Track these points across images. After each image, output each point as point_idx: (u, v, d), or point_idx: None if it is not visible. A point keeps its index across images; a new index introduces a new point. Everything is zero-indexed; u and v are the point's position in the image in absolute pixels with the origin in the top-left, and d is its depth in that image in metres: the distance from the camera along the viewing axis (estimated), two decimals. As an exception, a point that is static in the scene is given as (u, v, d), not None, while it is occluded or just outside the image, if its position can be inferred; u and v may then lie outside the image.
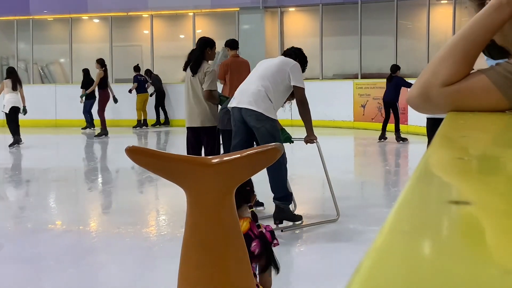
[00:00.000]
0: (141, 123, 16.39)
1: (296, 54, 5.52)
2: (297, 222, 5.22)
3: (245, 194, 2.19)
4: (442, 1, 15.58)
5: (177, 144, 12.93)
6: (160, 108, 16.70)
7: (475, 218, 0.41)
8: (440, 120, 0.95)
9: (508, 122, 0.96)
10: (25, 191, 8.03)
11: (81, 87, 15.12)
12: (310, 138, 5.43)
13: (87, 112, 15.31)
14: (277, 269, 2.31)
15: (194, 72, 6.02)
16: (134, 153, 1.81)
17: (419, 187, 0.46)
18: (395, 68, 11.70)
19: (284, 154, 4.80)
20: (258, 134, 5.09)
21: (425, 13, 15.16)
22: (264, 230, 2.24)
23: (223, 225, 1.83)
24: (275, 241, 2.30)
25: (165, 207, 6.77)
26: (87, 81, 15.02)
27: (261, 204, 5.82)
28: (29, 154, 12.12)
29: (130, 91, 16.14)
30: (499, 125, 0.96)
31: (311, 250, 4.83)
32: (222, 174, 1.81)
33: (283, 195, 5.17)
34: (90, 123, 15.41)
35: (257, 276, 2.29)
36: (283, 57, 5.48)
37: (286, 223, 5.26)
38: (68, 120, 17.13)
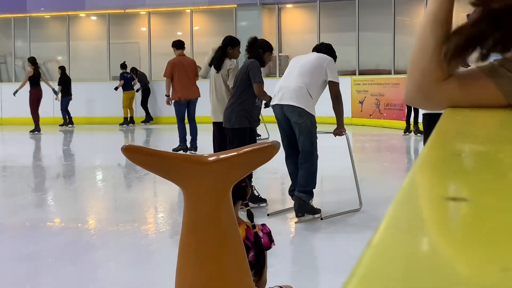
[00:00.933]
0: (128, 121, 16.34)
1: (327, 50, 5.67)
2: (316, 215, 5.33)
3: (240, 191, 2.14)
4: (439, -3, 15.58)
5: (165, 140, 12.93)
6: (144, 105, 16.64)
7: (472, 214, 0.41)
8: (436, 116, 0.95)
9: (505, 119, 0.96)
10: (24, 189, 8.02)
11: (58, 84, 15.51)
12: (339, 130, 5.63)
13: (64, 109, 15.52)
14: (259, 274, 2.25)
15: (218, 69, 6.29)
16: (130, 151, 1.80)
17: (416, 184, 0.45)
18: None
19: (314, 143, 5.28)
20: (299, 129, 5.26)
21: (422, 9, 15.15)
22: (261, 233, 2.21)
23: (220, 223, 1.83)
24: (272, 244, 2.27)
25: (164, 204, 6.77)
26: (63, 78, 15.51)
27: (264, 201, 5.88)
28: (25, 151, 12.10)
29: (116, 88, 16.08)
30: (496, 121, 0.96)
31: (325, 241, 4.83)
32: (219, 172, 1.80)
33: (309, 189, 5.30)
34: (65, 119, 15.75)
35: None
36: (316, 53, 5.59)
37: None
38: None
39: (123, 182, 8.25)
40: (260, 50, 5.90)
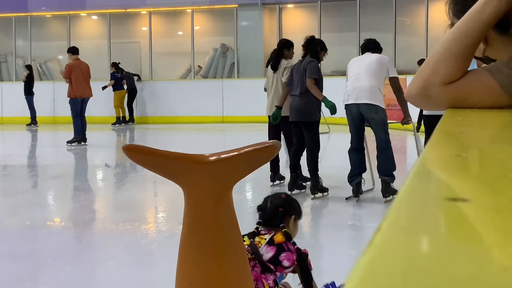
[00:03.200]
0: (120, 120, 16.32)
1: (376, 46, 6.44)
2: (395, 196, 5.65)
3: (280, 214, 2.30)
4: (440, -2, 15.58)
5: (162, 140, 12.93)
6: (128, 105, 16.59)
7: (473, 215, 0.41)
8: (437, 117, 0.95)
9: (506, 119, 0.96)
10: (24, 188, 8.02)
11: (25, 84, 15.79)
12: (407, 120, 6.26)
13: (32, 107, 15.79)
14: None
15: (275, 69, 6.86)
16: (131, 151, 1.80)
17: (417, 184, 0.45)
18: (422, 62, 11.72)
19: (388, 133, 6.03)
20: (374, 123, 5.99)
21: (423, 9, 15.15)
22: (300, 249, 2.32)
23: (221, 223, 1.83)
24: (309, 262, 2.39)
25: (164, 204, 6.77)
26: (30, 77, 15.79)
27: (326, 190, 6.41)
28: (26, 150, 12.11)
29: (104, 87, 15.98)
30: (497, 122, 0.96)
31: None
32: (219, 171, 1.80)
33: (391, 172, 5.98)
34: (33, 118, 15.95)
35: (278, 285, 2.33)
36: (372, 53, 6.22)
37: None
38: (66, 117, 17.09)
39: (123, 181, 8.25)
40: (319, 48, 6.47)
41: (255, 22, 16.99)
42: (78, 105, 11.69)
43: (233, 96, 16.33)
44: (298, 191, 6.52)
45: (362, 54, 6.37)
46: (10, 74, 18.43)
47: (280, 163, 7.13)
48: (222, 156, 1.80)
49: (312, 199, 6.30)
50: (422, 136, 11.19)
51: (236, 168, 1.83)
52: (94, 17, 19.14)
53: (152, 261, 4.45)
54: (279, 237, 2.23)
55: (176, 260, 1.91)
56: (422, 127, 9.23)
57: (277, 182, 7.06)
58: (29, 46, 18.27)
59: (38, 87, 17.38)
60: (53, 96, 17.50)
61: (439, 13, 15.36)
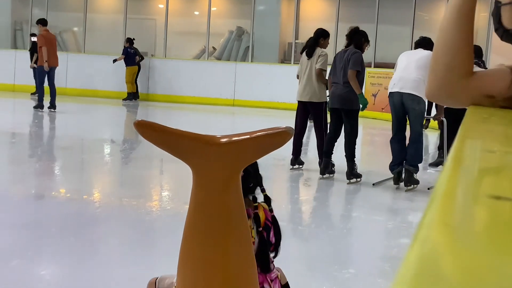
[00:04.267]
0: (131, 96, 16.30)
1: (431, 44, 6.44)
2: (415, 186, 6.35)
3: (258, 177, 2.20)
4: (461, -5, 15.41)
5: (176, 117, 12.92)
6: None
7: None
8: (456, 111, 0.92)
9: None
10: (31, 157, 8.05)
11: (30, 52, 15.76)
12: (439, 116, 6.72)
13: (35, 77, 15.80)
14: (276, 253, 2.31)
15: (310, 56, 7.10)
16: (142, 127, 1.78)
17: (453, 179, 0.43)
18: None
19: (423, 125, 6.37)
20: (413, 113, 6.20)
21: (443, 5, 15.00)
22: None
23: (228, 206, 1.81)
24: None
25: (170, 182, 6.78)
26: (35, 46, 15.50)
27: (360, 176, 6.68)
28: (38, 120, 12.13)
29: (115, 61, 15.96)
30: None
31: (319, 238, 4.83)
32: (230, 154, 1.78)
33: (417, 163, 6.31)
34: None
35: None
36: (424, 50, 6.36)
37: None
38: (79, 89, 17.13)
39: (130, 157, 8.26)
40: (363, 39, 6.75)
41: (273, 7, 16.88)
42: (45, 74, 12.70)
43: (245, 80, 16.28)
44: (329, 175, 6.82)
45: (415, 49, 6.60)
46: (25, 42, 18.41)
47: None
48: (234, 138, 1.78)
49: (347, 183, 6.58)
50: (430, 134, 11.14)
51: (247, 151, 1.81)
52: (112, -9, 19.09)
53: (155, 238, 4.45)
54: (260, 215, 2.19)
55: (179, 239, 1.89)
56: (432, 124, 9.17)
57: (297, 166, 7.29)
58: (45, 15, 18.24)
59: (52, 57, 17.36)
60: (66, 67, 17.50)
61: (459, 10, 15.21)
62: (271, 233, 2.21)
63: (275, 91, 15.85)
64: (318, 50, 7.08)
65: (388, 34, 15.51)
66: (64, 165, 7.43)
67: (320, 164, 6.95)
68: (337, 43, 15.89)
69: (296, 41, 16.85)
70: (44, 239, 4.26)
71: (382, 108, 14.19)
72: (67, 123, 11.78)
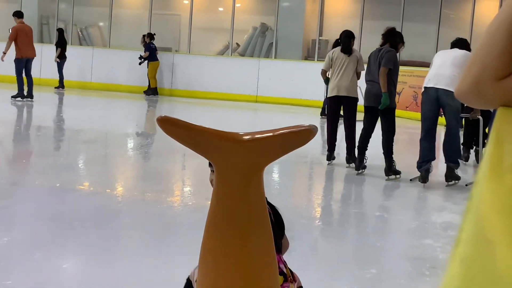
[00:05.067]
0: (156, 91, 16.37)
1: (466, 45, 6.83)
2: (457, 181, 6.54)
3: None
4: (489, -7, 15.21)
5: (200, 113, 12.95)
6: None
7: None
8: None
9: None
10: (56, 150, 8.13)
11: (56, 46, 16.17)
12: (476, 114, 6.95)
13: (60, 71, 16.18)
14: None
15: (349, 53, 7.29)
16: (165, 123, 1.78)
17: (493, 188, 0.40)
18: None
19: (459, 121, 6.53)
20: (449, 109, 6.30)
21: (470, 3, 14.82)
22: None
23: (249, 203, 1.80)
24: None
25: (192, 177, 6.80)
26: (60, 40, 16.14)
27: (399, 173, 6.77)
28: (63, 114, 12.25)
29: (140, 59, 16.07)
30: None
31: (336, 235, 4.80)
32: (253, 151, 1.77)
33: (457, 159, 6.43)
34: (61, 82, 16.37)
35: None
36: (459, 49, 6.58)
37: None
38: (104, 83, 17.26)
39: (153, 152, 8.30)
40: (398, 39, 6.93)
41: (297, 3, 16.81)
42: (23, 64, 12.90)
43: (268, 76, 16.25)
44: (362, 170, 6.99)
45: (451, 49, 6.76)
46: (51, 36, 18.59)
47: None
48: (256, 136, 1.77)
49: (386, 180, 6.71)
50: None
51: (270, 149, 1.80)
52: (137, -13, 19.19)
53: (176, 233, 4.47)
54: None
55: (200, 234, 1.89)
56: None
57: (333, 161, 7.43)
58: (71, 10, 18.40)
59: (78, 52, 17.54)
60: (91, 62, 17.64)
61: (486, 8, 15.00)
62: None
63: (298, 87, 15.80)
64: (357, 52, 7.36)
65: (414, 32, 15.36)
66: (88, 159, 7.49)
67: (347, 159, 7.20)
68: (361, 40, 15.79)
69: (320, 38, 16.78)
70: (66, 232, 4.29)
71: (406, 107, 14.08)
72: (91, 117, 11.87)
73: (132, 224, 4.63)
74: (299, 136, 1.78)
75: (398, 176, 6.77)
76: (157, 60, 16.30)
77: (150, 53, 16.10)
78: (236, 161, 1.78)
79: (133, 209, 5.04)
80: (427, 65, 14.61)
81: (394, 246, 4.46)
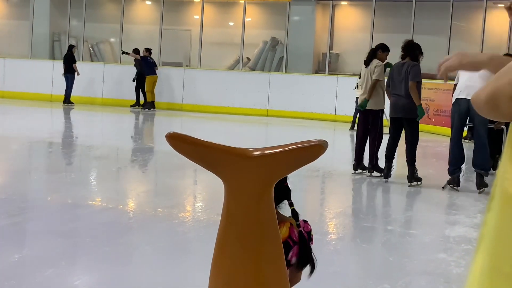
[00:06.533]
0: (149, 105, 16.50)
1: None
2: (486, 188, 6.69)
3: (285, 190, 2.03)
4: (499, 5, 15.16)
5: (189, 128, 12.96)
6: (140, 90, 16.79)
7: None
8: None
9: None
10: (67, 166, 8.15)
11: (64, 63, 16.51)
12: (500, 124, 7.38)
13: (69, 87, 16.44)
14: (312, 269, 2.15)
15: (366, 64, 7.64)
16: (174, 139, 1.77)
17: (506, 217, 0.38)
18: None
19: (486, 132, 6.77)
20: (478, 120, 6.62)
21: (481, 15, 14.78)
22: (302, 230, 2.10)
23: (260, 219, 1.78)
24: (310, 243, 2.15)
25: (203, 193, 6.78)
26: (70, 57, 16.50)
27: (420, 179, 7.08)
28: (74, 130, 12.31)
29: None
30: None
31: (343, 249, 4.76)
32: (262, 167, 1.75)
33: (486, 167, 6.80)
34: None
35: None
36: None
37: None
38: (115, 99, 17.35)
39: (164, 167, 8.30)
40: (417, 51, 7.21)
41: (307, 17, 16.86)
42: None
43: (279, 90, 16.26)
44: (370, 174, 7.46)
45: None
46: (63, 53, 18.74)
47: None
48: (266, 152, 1.76)
49: (408, 186, 7.04)
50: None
51: (280, 165, 1.78)
52: (148, 2, 19.33)
53: (188, 249, 4.45)
54: (283, 232, 1.98)
55: (211, 250, 1.88)
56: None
57: (359, 171, 7.64)
58: (82, 26, 18.56)
59: (89, 67, 17.67)
60: (102, 78, 17.75)
61: (497, 20, 14.96)
62: (291, 253, 2.01)
63: (309, 101, 15.79)
64: (374, 61, 7.58)
65: (425, 44, 15.22)
66: (100, 175, 7.51)
67: (369, 168, 7.51)
68: (372, 54, 15.78)
69: (330, 51, 16.78)
70: (78, 249, 4.29)
71: (429, 118, 13.99)
72: (102, 132, 11.91)
73: (144, 240, 4.61)
74: (309, 152, 1.76)
75: (419, 183, 7.08)
76: (155, 74, 16.43)
77: (148, 67, 16.27)
78: (246, 178, 1.76)
79: (145, 225, 5.03)
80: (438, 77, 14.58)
81: (407, 261, 4.41)
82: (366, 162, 7.61)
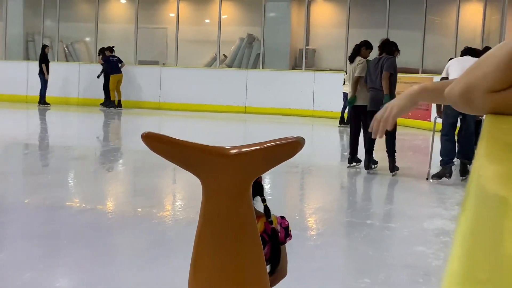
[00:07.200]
0: (115, 104, 16.46)
1: (479, 54, 6.94)
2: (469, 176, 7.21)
3: (257, 187, 2.02)
4: (473, -2, 15.34)
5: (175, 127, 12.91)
6: (105, 88, 16.75)
7: None
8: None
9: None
10: (44, 168, 8.07)
11: (39, 63, 16.28)
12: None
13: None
14: (275, 269, 2.11)
15: (351, 61, 7.91)
16: (150, 139, 1.76)
17: (482, 217, 0.37)
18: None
19: (474, 124, 6.99)
20: (469, 115, 6.68)
21: (454, 10, 14.92)
22: (278, 227, 2.09)
23: (239, 218, 1.78)
24: (287, 239, 2.15)
25: (182, 192, 6.76)
26: (43, 57, 16.22)
27: (376, 162, 7.51)
28: (50, 131, 12.18)
29: (98, 76, 16.49)
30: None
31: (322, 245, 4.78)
32: (240, 165, 1.75)
33: (471, 157, 6.95)
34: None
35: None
36: (472, 57, 7.01)
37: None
38: (91, 99, 17.20)
39: (143, 166, 8.25)
40: (393, 48, 7.51)
41: (283, 14, 16.87)
42: None
43: (257, 87, 16.26)
44: (373, 167, 7.58)
45: (462, 56, 7.43)
46: (37, 53, 18.53)
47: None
48: (244, 149, 1.75)
49: (392, 176, 7.32)
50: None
51: (258, 162, 1.78)
52: (123, 1, 19.18)
53: (169, 249, 4.43)
54: (258, 226, 1.97)
55: (191, 250, 1.87)
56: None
57: (354, 164, 7.80)
58: (57, 26, 18.36)
59: (64, 67, 17.50)
60: (78, 78, 17.59)
61: (471, 14, 15.11)
62: (265, 249, 1.99)
63: (286, 98, 15.82)
64: (358, 58, 7.81)
65: (399, 39, 15.35)
66: (78, 176, 7.44)
67: (368, 164, 7.58)
68: (348, 49, 15.85)
69: (307, 47, 16.82)
70: (57, 251, 4.24)
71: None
72: (79, 133, 11.81)
73: (124, 240, 4.58)
74: (287, 149, 1.76)
75: (398, 171, 7.41)
76: (119, 73, 16.36)
77: (111, 66, 16.19)
78: (224, 176, 1.76)
79: (124, 226, 5.00)
80: (414, 71, 14.71)
81: (387, 255, 4.44)
82: (361, 157, 7.75)
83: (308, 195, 6.98)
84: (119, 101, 16.48)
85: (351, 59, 7.93)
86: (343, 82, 10.66)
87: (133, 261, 4.08)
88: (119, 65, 16.39)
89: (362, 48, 7.93)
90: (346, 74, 8.35)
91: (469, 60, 6.74)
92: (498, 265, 0.31)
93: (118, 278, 3.70)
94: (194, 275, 1.85)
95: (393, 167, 7.36)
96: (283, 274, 2.19)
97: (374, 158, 7.59)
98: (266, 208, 2.06)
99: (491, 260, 0.32)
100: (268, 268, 2.07)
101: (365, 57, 7.85)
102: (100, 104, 16.72)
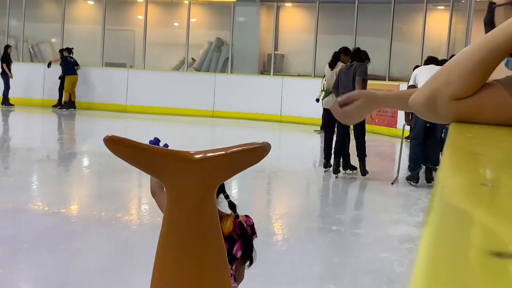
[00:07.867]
0: (67, 105, 16.32)
1: (443, 62, 7.24)
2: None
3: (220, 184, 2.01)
4: (439, 7, 15.56)
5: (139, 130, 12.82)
6: (60, 90, 16.68)
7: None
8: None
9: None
10: (6, 170, 7.90)
11: (1, 63, 16.12)
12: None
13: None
14: (251, 261, 2.16)
15: (332, 67, 8.20)
16: (113, 143, 1.72)
17: (444, 228, 0.36)
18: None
19: (441, 131, 7.09)
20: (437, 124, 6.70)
21: (421, 17, 15.12)
22: (245, 224, 2.09)
23: (203, 223, 1.75)
24: (254, 237, 2.16)
25: (148, 196, 6.65)
26: (5, 56, 16.12)
27: (355, 168, 7.68)
28: (13, 132, 11.95)
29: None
30: (509, 140, 0.88)
31: (292, 250, 4.77)
32: (205, 170, 1.72)
33: (437, 162, 7.11)
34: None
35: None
36: (437, 66, 7.13)
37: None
38: (55, 100, 16.93)
39: (107, 170, 8.14)
40: (363, 56, 7.71)
41: (252, 18, 16.88)
42: None
43: (225, 91, 16.22)
44: (344, 172, 7.73)
45: (427, 65, 7.74)
46: (1, 53, 18.18)
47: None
48: (209, 154, 1.72)
49: (365, 179, 7.47)
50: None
51: (223, 168, 1.75)
52: (90, 2, 18.96)
53: (132, 254, 4.36)
54: (227, 225, 2.02)
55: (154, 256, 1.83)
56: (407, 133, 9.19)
57: (330, 168, 7.90)
58: (22, 26, 18.05)
59: (29, 68, 17.20)
60: (43, 78, 17.31)
61: (437, 22, 15.33)
62: (236, 246, 2.04)
63: (254, 102, 15.82)
64: (339, 64, 8.12)
65: (367, 46, 15.51)
66: (40, 178, 7.30)
67: (361, 168, 7.68)
68: (316, 54, 15.94)
69: (275, 52, 16.86)
70: (17, 256, 4.14)
71: (373, 118, 14.21)
72: (43, 134, 11.61)
73: (86, 245, 4.50)
74: (252, 154, 1.74)
75: (367, 174, 7.59)
76: (75, 74, 16.23)
77: (67, 68, 16.07)
78: (188, 181, 1.73)
79: (88, 230, 4.91)
80: (381, 78, 14.85)
81: (351, 261, 4.45)
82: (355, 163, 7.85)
83: (275, 200, 6.98)
84: (73, 102, 16.34)
85: (332, 65, 8.21)
86: (322, 88, 10.57)
87: (96, 266, 4.01)
88: (75, 67, 16.26)
89: (341, 54, 8.27)
90: (325, 80, 8.51)
91: (436, 69, 6.96)
92: (461, 278, 0.30)
93: (79, 284, 3.63)
94: (157, 281, 1.82)
95: (363, 171, 7.54)
96: (242, 277, 2.19)
97: (352, 164, 7.77)
98: (231, 203, 2.05)
99: (455, 273, 0.31)
100: (247, 265, 2.08)
101: (345, 63, 8.06)
102: (53, 106, 16.54)
